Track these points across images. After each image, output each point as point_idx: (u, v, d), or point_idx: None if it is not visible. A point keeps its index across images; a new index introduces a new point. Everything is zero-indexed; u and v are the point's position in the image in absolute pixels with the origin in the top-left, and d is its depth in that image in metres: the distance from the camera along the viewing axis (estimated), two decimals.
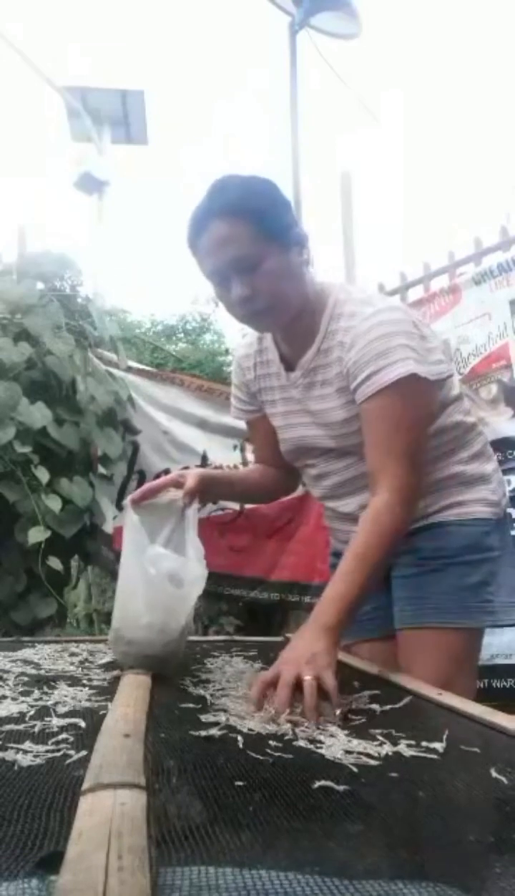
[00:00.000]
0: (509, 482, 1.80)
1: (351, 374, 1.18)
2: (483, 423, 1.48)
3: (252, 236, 1.13)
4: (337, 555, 1.49)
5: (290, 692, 0.89)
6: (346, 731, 0.80)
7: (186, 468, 2.97)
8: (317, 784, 0.61)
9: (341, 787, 0.60)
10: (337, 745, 0.74)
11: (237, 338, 1.51)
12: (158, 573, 1.07)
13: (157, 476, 2.99)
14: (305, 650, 0.97)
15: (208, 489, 1.29)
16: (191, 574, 1.09)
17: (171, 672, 1.07)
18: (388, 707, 0.92)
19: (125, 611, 1.11)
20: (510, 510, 1.42)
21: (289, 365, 1.32)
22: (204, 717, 0.83)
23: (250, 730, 0.79)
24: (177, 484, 1.25)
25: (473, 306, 2.59)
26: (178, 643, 1.09)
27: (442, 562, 1.26)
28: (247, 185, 1.18)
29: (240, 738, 0.75)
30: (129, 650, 1.08)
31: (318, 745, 0.74)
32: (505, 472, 1.71)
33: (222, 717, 0.83)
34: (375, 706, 0.92)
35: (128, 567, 1.12)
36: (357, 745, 0.74)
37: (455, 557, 1.25)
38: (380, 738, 0.77)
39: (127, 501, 1.22)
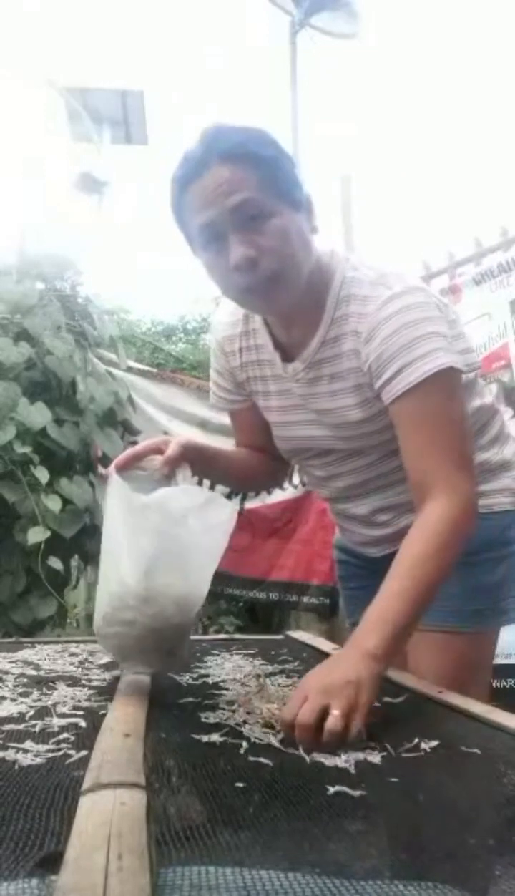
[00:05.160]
0: None
1: (375, 370, 1.02)
2: None
3: (259, 183, 0.96)
4: (342, 548, 1.42)
5: (313, 733, 0.73)
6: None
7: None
8: (317, 786, 0.61)
9: (340, 788, 0.60)
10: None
11: (224, 320, 1.31)
12: (167, 519, 0.86)
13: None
14: (341, 677, 0.80)
15: (193, 460, 1.10)
16: (215, 514, 0.89)
17: (178, 666, 1.00)
18: (388, 704, 0.92)
19: (120, 583, 0.86)
20: None
21: (286, 353, 1.15)
22: (204, 716, 0.83)
23: (250, 728, 0.79)
24: (160, 450, 1.08)
25: (473, 306, 2.59)
26: (194, 617, 0.92)
27: (459, 560, 1.15)
28: (249, 130, 0.99)
29: (239, 741, 0.75)
30: (130, 632, 0.86)
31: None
32: None
33: (222, 715, 0.83)
34: (375, 704, 0.92)
35: (120, 527, 0.90)
36: (356, 742, 0.74)
37: (473, 555, 1.11)
38: (380, 737, 0.76)
39: (110, 469, 1.04)
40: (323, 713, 0.74)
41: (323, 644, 1.45)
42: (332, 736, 0.73)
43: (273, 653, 1.33)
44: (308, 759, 0.69)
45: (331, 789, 0.60)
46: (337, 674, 0.81)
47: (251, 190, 0.95)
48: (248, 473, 1.34)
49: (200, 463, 1.15)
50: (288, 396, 1.19)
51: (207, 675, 1.08)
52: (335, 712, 0.74)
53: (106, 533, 0.94)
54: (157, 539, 0.86)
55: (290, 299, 1.04)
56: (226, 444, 3.26)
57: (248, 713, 0.85)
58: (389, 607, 0.90)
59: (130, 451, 1.09)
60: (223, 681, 1.04)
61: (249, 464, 1.32)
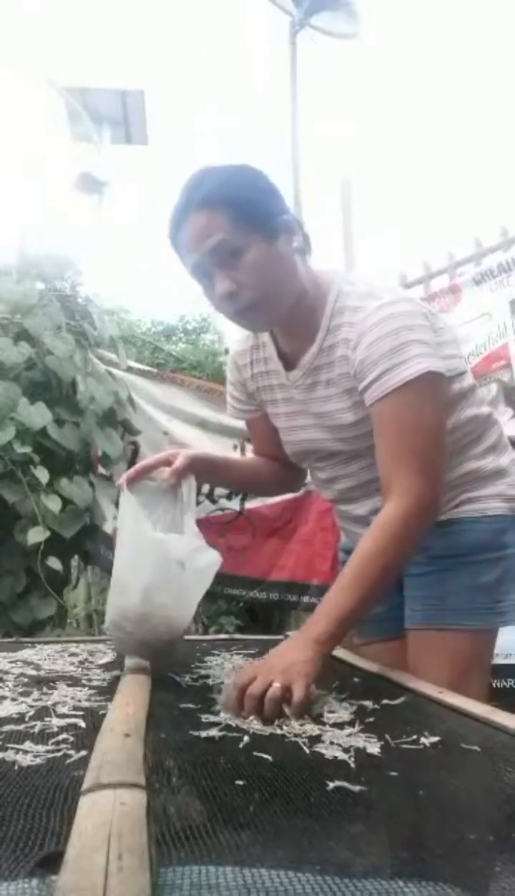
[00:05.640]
0: None
1: (359, 374, 1.11)
2: None
3: (231, 225, 1.06)
4: (346, 551, 1.42)
5: (258, 703, 0.85)
6: (346, 729, 0.79)
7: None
8: (317, 783, 0.61)
9: (340, 783, 0.60)
10: (336, 742, 0.74)
11: (236, 337, 1.43)
12: (166, 559, 1.02)
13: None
14: (285, 658, 0.94)
15: (201, 471, 1.22)
16: (204, 559, 1.04)
17: (171, 665, 1.06)
18: (388, 704, 0.92)
19: (125, 599, 1.04)
20: None
21: (289, 363, 1.24)
22: (204, 717, 0.83)
23: (250, 727, 0.79)
24: (169, 462, 1.19)
25: (473, 306, 2.60)
26: (182, 634, 1.07)
27: (454, 561, 1.20)
28: (223, 174, 1.11)
29: (240, 735, 0.75)
30: (128, 639, 1.04)
31: (318, 742, 0.74)
32: None
33: (222, 716, 0.83)
34: (375, 705, 0.92)
35: (131, 550, 1.07)
36: (356, 742, 0.74)
37: (468, 556, 1.20)
38: (380, 736, 0.76)
39: (121, 481, 1.16)
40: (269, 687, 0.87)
41: None
42: (272, 702, 0.85)
43: None
44: (308, 751, 0.70)
45: (331, 785, 0.60)
46: (278, 656, 0.96)
47: (224, 231, 1.06)
48: (258, 481, 1.45)
49: (208, 473, 1.27)
50: (292, 403, 1.27)
51: (207, 676, 1.09)
52: (275, 685, 0.87)
53: (120, 546, 1.10)
54: (158, 569, 1.02)
55: (274, 318, 1.16)
56: (225, 443, 3.27)
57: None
58: (336, 598, 1.02)
59: (140, 464, 1.21)
60: (223, 682, 1.04)
61: (259, 472, 1.42)
